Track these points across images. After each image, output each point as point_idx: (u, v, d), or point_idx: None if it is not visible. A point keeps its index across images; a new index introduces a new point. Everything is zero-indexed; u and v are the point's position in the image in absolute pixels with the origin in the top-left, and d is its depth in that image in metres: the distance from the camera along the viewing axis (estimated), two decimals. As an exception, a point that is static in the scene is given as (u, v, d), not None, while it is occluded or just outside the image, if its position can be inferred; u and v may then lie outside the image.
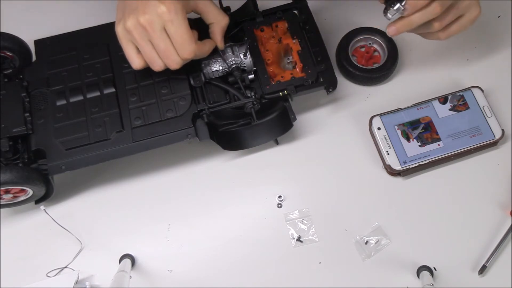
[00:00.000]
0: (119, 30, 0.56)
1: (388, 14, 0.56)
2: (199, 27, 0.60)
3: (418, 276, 0.59)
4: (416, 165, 0.63)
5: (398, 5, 0.55)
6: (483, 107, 0.65)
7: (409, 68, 0.71)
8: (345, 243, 0.62)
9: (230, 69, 0.63)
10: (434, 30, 0.58)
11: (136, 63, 0.58)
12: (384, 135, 0.64)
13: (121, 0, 0.56)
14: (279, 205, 0.64)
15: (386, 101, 0.68)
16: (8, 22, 0.75)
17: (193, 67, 0.62)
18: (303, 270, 0.61)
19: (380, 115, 0.65)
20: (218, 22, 0.60)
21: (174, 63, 0.57)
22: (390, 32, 0.58)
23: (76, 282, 0.59)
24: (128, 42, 0.57)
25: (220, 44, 0.62)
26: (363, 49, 0.71)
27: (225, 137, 0.64)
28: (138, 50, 0.57)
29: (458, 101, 0.66)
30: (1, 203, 0.61)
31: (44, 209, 0.62)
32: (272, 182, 0.65)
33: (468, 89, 0.66)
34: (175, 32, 0.54)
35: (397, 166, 0.63)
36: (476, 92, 0.66)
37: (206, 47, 0.60)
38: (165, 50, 0.55)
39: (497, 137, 0.64)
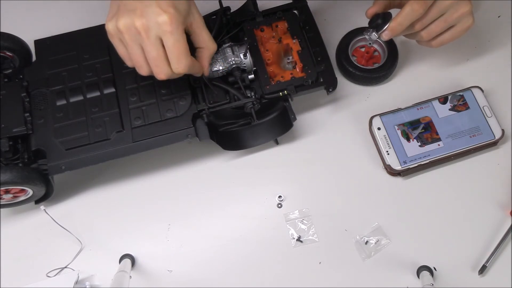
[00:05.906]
0: (109, 27, 0.52)
1: (366, 36, 0.63)
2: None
3: (418, 276, 0.59)
4: (416, 165, 0.63)
5: (374, 34, 0.61)
6: (483, 107, 0.65)
7: (409, 68, 0.71)
8: (345, 243, 0.62)
9: (230, 69, 0.63)
10: (415, 31, 0.59)
11: (129, 62, 0.56)
12: (384, 135, 0.64)
13: None
14: (279, 205, 0.64)
15: (386, 101, 0.68)
16: (8, 22, 0.75)
17: None
18: (303, 270, 0.61)
19: (380, 115, 0.65)
20: (208, 48, 0.57)
21: (162, 74, 0.54)
22: (383, 38, 0.61)
23: (76, 282, 0.59)
24: (119, 42, 0.54)
25: (207, 70, 0.60)
26: (363, 49, 0.71)
27: (225, 137, 0.64)
28: None
29: (458, 101, 0.66)
30: (1, 203, 0.61)
31: (44, 209, 0.62)
32: (272, 182, 0.65)
33: (468, 89, 0.66)
34: (173, 44, 0.52)
35: (397, 166, 0.63)
36: (476, 92, 0.66)
37: (196, 66, 0.57)
38: (156, 59, 0.53)
39: (497, 137, 0.64)
